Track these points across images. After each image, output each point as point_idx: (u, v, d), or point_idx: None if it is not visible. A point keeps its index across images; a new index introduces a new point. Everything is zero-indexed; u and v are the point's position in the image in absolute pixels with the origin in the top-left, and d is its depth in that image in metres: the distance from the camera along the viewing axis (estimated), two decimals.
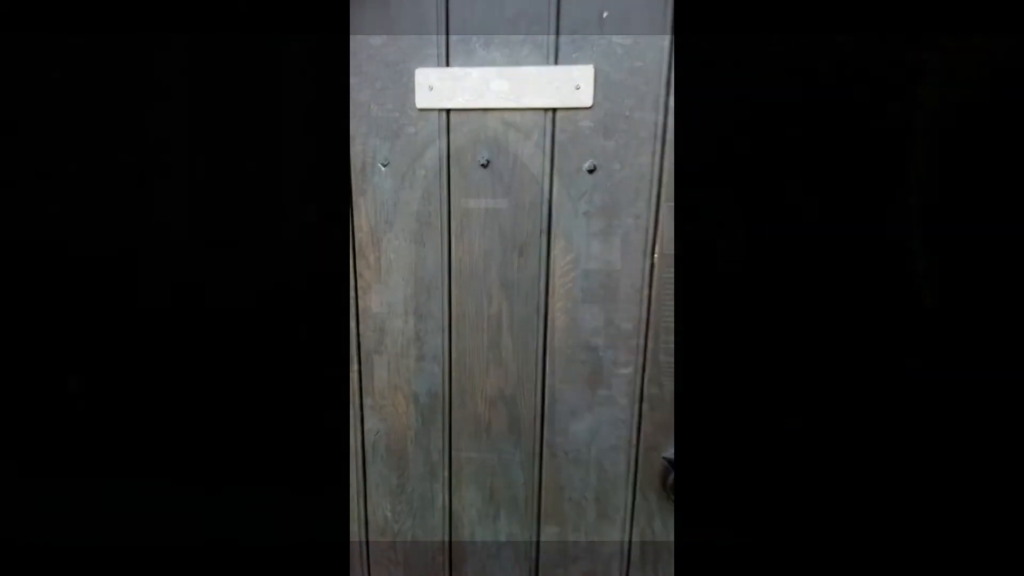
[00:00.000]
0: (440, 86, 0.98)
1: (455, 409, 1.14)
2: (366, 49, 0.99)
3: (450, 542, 1.20)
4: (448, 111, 1.00)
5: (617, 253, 0.99)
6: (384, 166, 1.03)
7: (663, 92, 0.93)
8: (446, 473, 1.18)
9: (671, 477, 1.07)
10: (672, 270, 1.00)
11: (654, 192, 0.96)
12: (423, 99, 1.00)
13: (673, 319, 1.01)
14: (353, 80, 1.00)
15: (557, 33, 0.93)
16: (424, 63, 0.98)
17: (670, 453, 1.07)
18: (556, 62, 0.94)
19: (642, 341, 1.03)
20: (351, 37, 0.98)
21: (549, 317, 1.05)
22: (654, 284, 1.00)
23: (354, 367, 1.13)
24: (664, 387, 1.05)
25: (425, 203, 1.05)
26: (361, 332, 1.12)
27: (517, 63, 0.95)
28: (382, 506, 1.22)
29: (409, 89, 0.99)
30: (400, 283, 1.10)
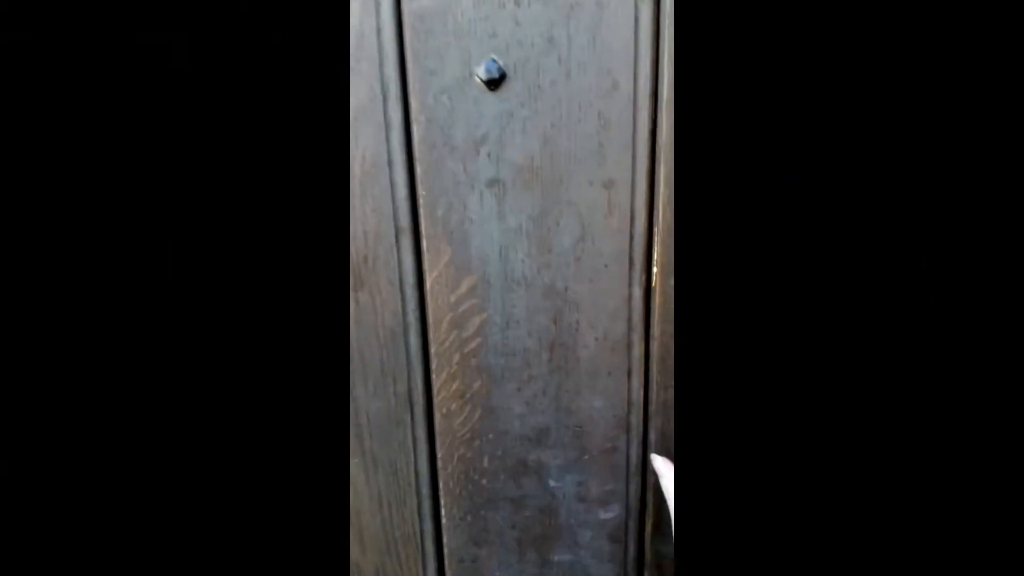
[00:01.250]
0: None
1: None
2: None
3: None
4: None
5: (569, 268, 0.45)
6: None
7: None
8: None
9: None
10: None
11: (645, 123, 0.42)
12: None
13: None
14: None
15: None
16: None
17: None
18: None
19: (637, 450, 0.48)
20: None
21: (436, 411, 0.49)
22: (655, 330, 0.45)
23: None
24: None
25: None
26: None
27: None
28: None
29: None
30: None
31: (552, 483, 0.50)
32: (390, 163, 0.44)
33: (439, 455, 0.50)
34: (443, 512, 0.51)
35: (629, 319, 0.45)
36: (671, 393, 0.46)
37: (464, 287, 0.46)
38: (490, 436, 0.49)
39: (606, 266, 0.44)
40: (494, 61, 0.41)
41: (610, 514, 0.50)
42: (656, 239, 0.43)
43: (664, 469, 0.45)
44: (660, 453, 0.47)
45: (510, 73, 0.42)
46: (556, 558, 0.51)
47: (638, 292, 0.44)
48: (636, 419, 0.47)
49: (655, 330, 0.45)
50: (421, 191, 0.44)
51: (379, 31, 0.41)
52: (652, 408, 0.47)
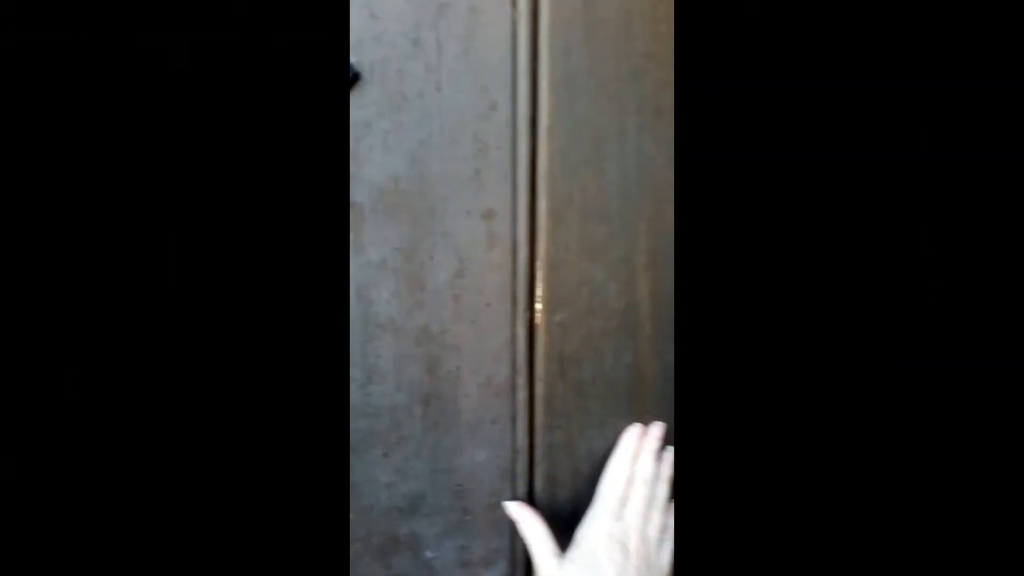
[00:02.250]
0: None
1: None
2: None
3: None
4: None
5: (447, 308, 0.39)
6: None
7: None
8: None
9: None
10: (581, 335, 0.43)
11: (525, 151, 0.39)
12: None
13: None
14: None
15: None
16: None
17: None
18: None
19: (523, 499, 0.44)
20: None
21: None
22: (538, 370, 0.42)
23: None
24: None
25: None
26: None
27: None
28: None
29: None
30: None
31: (429, 554, 0.43)
32: None
33: None
34: None
35: (513, 361, 0.41)
36: (557, 435, 0.43)
37: None
38: (350, 515, 0.40)
39: (488, 304, 0.39)
40: None
41: (495, 574, 0.45)
42: (538, 274, 0.40)
43: (519, 515, 0.42)
44: (546, 499, 0.44)
45: (366, 74, 0.34)
46: None
47: (522, 332, 0.41)
48: (521, 466, 0.43)
49: (539, 370, 0.42)
50: None
51: None
52: (538, 453, 0.43)
